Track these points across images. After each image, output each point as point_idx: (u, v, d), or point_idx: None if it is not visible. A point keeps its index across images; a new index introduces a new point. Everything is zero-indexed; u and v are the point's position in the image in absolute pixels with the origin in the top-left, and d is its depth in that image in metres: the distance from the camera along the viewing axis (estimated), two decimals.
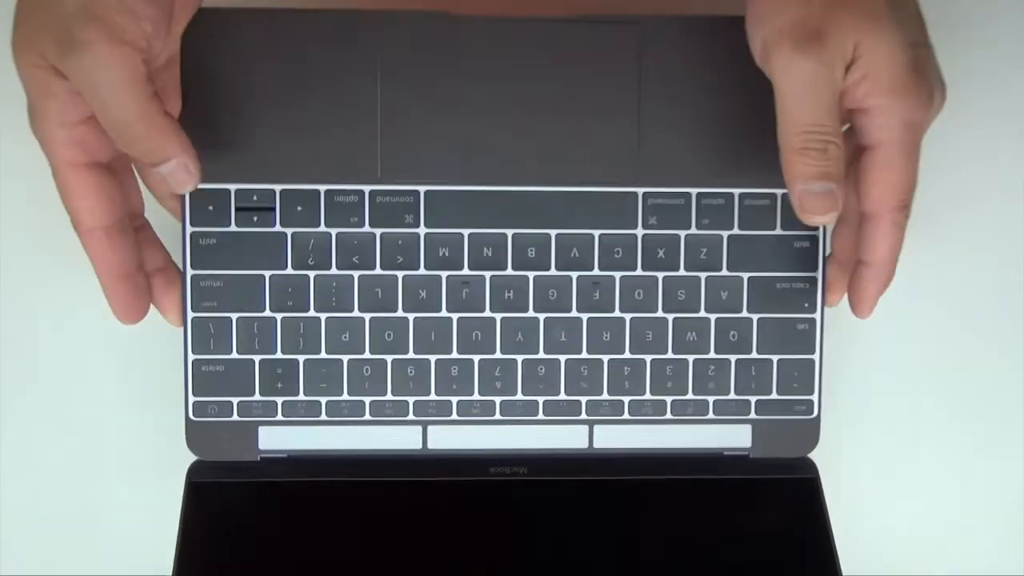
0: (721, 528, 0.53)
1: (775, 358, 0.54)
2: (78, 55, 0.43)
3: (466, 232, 0.52)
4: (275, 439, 0.53)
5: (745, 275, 0.53)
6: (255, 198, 0.51)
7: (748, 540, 0.52)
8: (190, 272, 0.51)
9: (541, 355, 0.53)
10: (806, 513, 0.53)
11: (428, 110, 0.51)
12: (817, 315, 0.53)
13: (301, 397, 0.52)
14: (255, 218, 0.51)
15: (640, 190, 0.52)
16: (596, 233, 0.52)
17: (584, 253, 0.52)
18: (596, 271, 0.52)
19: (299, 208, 0.51)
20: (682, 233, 0.53)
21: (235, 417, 0.52)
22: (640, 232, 0.52)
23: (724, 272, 0.53)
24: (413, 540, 0.51)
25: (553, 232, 0.52)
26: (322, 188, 0.51)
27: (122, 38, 0.43)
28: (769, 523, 0.53)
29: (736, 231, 0.53)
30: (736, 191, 0.52)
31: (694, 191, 0.52)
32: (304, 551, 0.51)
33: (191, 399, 0.52)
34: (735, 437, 0.54)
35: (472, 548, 0.51)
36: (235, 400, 0.52)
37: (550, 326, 0.53)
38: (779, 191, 0.52)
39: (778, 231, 0.53)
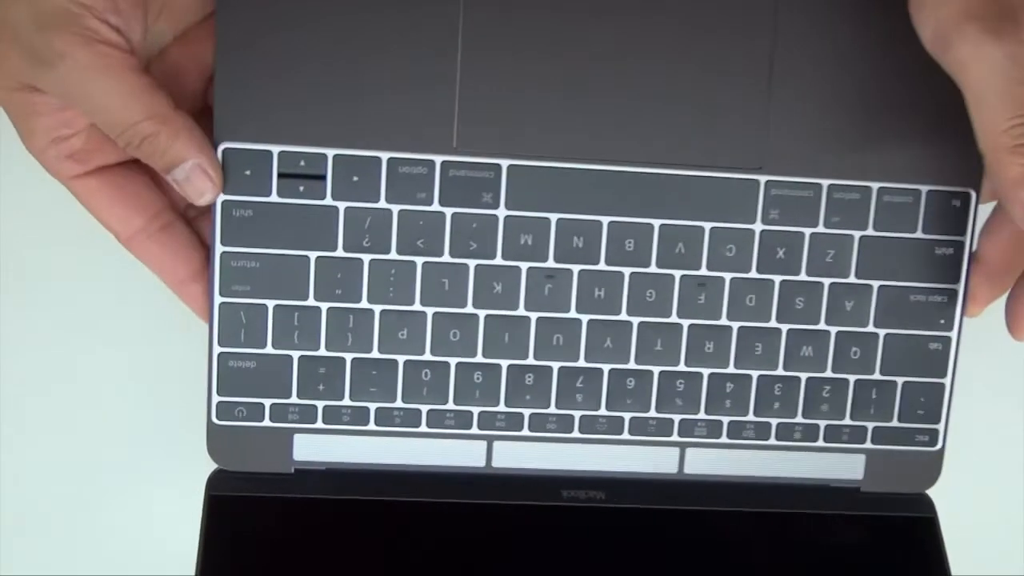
0: (825, 570, 0.46)
1: (900, 380, 0.46)
2: (55, 69, 0.39)
3: (554, 217, 0.44)
4: (313, 449, 0.45)
5: (876, 283, 0.45)
6: (302, 163, 0.42)
7: None
8: (219, 249, 0.43)
9: (632, 365, 0.45)
10: (923, 557, 0.46)
11: (518, 68, 0.42)
12: (954, 334, 0.46)
13: (346, 402, 0.44)
14: (301, 187, 0.42)
15: (763, 178, 0.44)
16: (707, 226, 0.44)
17: (691, 249, 0.44)
18: (703, 270, 0.44)
19: (355, 178, 0.43)
20: (807, 231, 0.44)
21: (267, 422, 0.44)
22: (758, 227, 0.44)
23: (851, 279, 0.45)
24: (470, 573, 0.44)
25: (656, 222, 0.44)
26: (384, 156, 0.42)
27: (93, 37, 0.39)
28: (880, 567, 0.46)
29: (870, 232, 0.45)
30: (874, 184, 0.44)
31: (825, 182, 0.44)
32: None
33: (215, 399, 0.44)
34: (846, 467, 0.47)
35: None
36: (268, 402, 0.44)
37: (644, 332, 0.45)
38: (924, 187, 0.44)
39: (919, 234, 0.45)
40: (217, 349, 0.43)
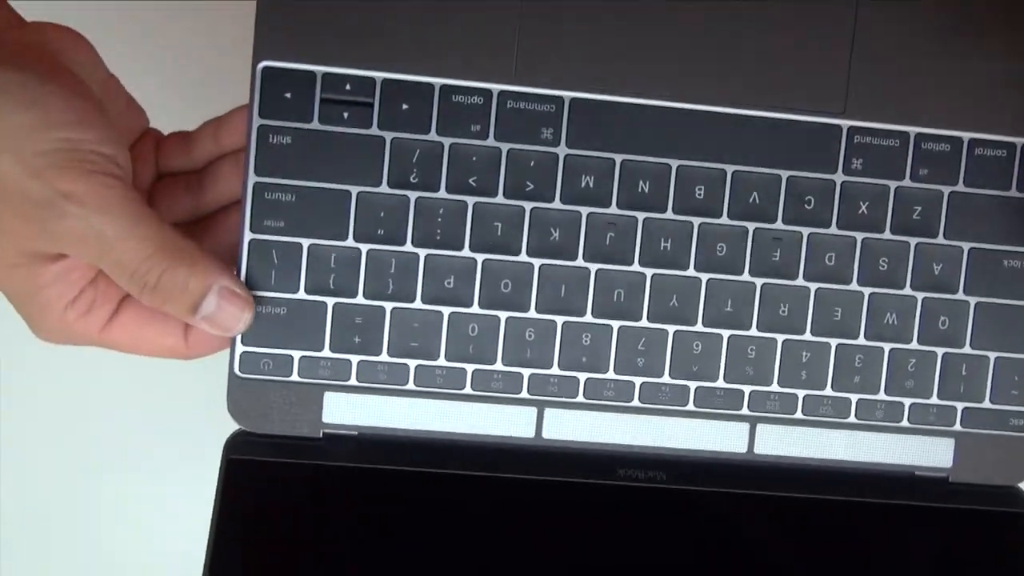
0: (907, 566, 0.42)
1: (992, 356, 0.42)
2: (63, 213, 0.35)
3: (619, 158, 0.40)
4: (345, 410, 0.41)
5: (966, 245, 0.42)
6: (348, 87, 0.39)
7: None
8: (253, 179, 0.39)
9: (699, 327, 0.41)
10: (1015, 556, 0.42)
11: None
12: None
13: (384, 358, 0.40)
14: (346, 114, 0.39)
15: (846, 123, 0.41)
16: (784, 174, 0.41)
17: (766, 199, 0.41)
18: (779, 224, 0.41)
19: (404, 106, 0.39)
20: (892, 184, 0.41)
21: (295, 377, 0.40)
22: (840, 178, 0.41)
23: (940, 240, 0.42)
24: (515, 554, 0.40)
25: (730, 168, 0.41)
26: (437, 82, 0.39)
27: (94, 170, 0.36)
28: (967, 565, 0.42)
29: (960, 187, 0.41)
30: (966, 135, 0.41)
31: (913, 131, 0.41)
32: (372, 558, 0.39)
33: (239, 348, 0.40)
34: (933, 453, 0.43)
35: (590, 569, 0.40)
36: (297, 355, 0.40)
37: (714, 291, 0.41)
38: (1020, 140, 0.41)
39: (1013, 192, 0.42)
40: None
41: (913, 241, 0.42)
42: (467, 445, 0.41)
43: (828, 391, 0.42)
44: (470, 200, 0.40)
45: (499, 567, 0.39)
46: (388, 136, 0.39)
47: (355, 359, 0.40)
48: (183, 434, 0.49)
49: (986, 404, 0.43)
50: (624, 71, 0.40)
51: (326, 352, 0.40)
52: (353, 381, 0.40)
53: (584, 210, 0.40)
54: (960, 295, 0.42)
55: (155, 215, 0.37)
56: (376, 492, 0.40)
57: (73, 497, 0.51)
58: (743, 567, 0.41)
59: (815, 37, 0.41)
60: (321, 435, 0.41)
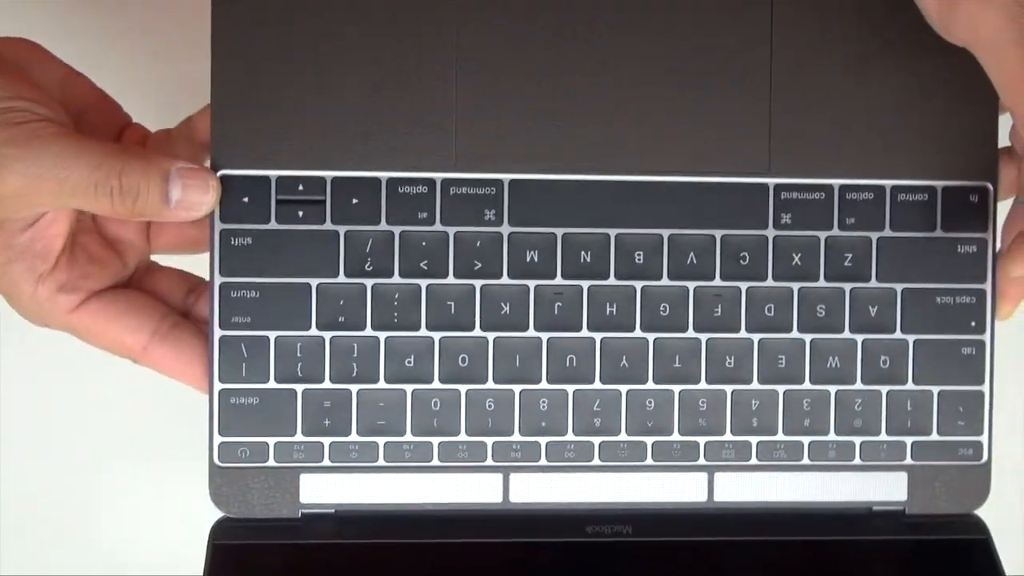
0: None
1: (935, 390, 0.45)
2: (7, 163, 0.39)
3: (559, 232, 0.44)
4: (321, 490, 0.44)
5: (899, 287, 0.45)
6: (301, 188, 0.43)
7: None
8: (219, 280, 0.43)
9: (650, 385, 0.45)
10: None
11: (516, 81, 0.44)
12: (987, 337, 0.45)
13: (354, 437, 0.44)
14: (300, 212, 0.43)
15: (771, 181, 0.44)
16: (718, 234, 0.44)
17: (703, 259, 0.44)
18: (718, 280, 0.45)
19: (355, 201, 0.43)
20: (822, 235, 0.45)
21: (271, 463, 0.44)
22: (771, 233, 0.45)
23: (873, 283, 0.45)
24: None
25: (666, 232, 0.44)
26: (384, 176, 0.43)
27: (22, 121, 0.39)
28: None
29: (888, 232, 0.45)
30: (888, 183, 0.45)
31: (836, 183, 0.45)
32: None
33: (216, 440, 0.44)
34: (888, 488, 0.46)
35: None
36: (272, 441, 0.44)
37: (661, 349, 0.45)
38: (940, 183, 0.45)
39: (938, 232, 0.45)
40: (218, 386, 0.43)
41: (848, 287, 0.45)
42: (439, 514, 0.44)
43: (780, 436, 0.45)
44: (423, 283, 0.44)
45: None
46: (341, 230, 0.43)
47: (327, 441, 0.44)
48: (184, 431, 0.50)
49: (934, 436, 0.46)
50: (556, 151, 0.44)
51: (299, 436, 0.44)
52: (326, 462, 0.44)
53: (531, 283, 0.44)
54: (898, 334, 0.45)
55: (96, 139, 0.40)
56: (354, 566, 0.43)
57: (73, 496, 0.54)
58: None
59: (736, 103, 0.44)
60: (300, 515, 0.44)
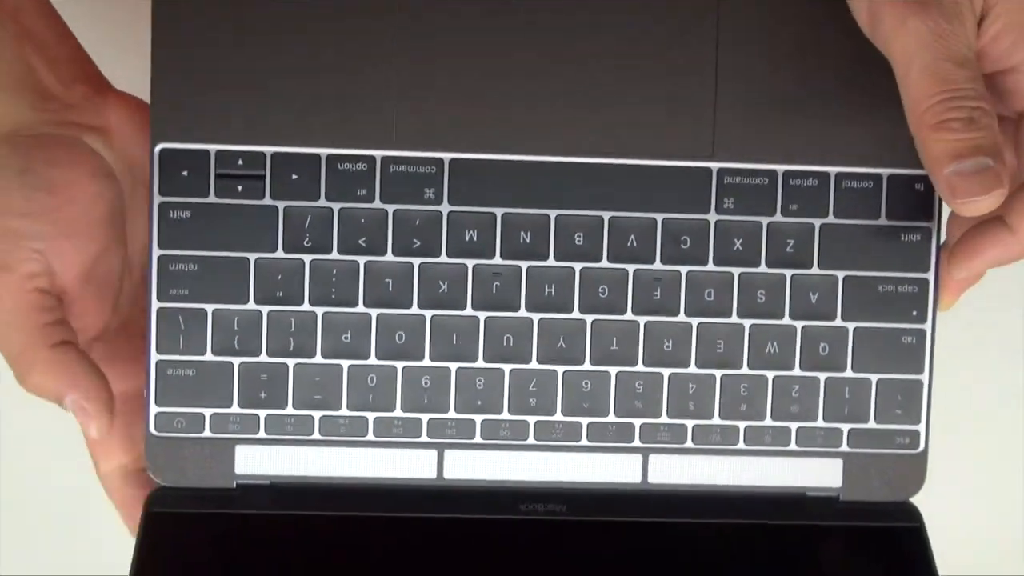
0: None
1: (874, 378, 0.46)
2: None
3: (499, 212, 0.45)
4: (256, 462, 0.45)
5: (840, 274, 0.45)
6: (240, 162, 0.44)
7: None
8: (157, 252, 0.44)
9: (587, 367, 0.45)
10: (910, 570, 0.45)
11: (457, 59, 0.44)
12: (927, 326, 0.46)
13: (289, 411, 0.45)
14: (239, 187, 0.44)
15: (715, 165, 0.45)
16: (660, 217, 0.45)
17: (644, 242, 0.45)
18: (658, 264, 0.45)
19: (294, 176, 0.44)
20: (764, 220, 0.45)
21: (207, 433, 0.45)
22: (713, 218, 0.45)
23: (814, 270, 0.45)
24: None
25: (607, 215, 0.45)
26: (323, 152, 0.44)
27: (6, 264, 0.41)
28: None
29: (831, 219, 0.45)
30: (832, 170, 0.45)
31: (780, 168, 0.45)
32: None
33: (153, 410, 0.45)
34: (822, 474, 0.46)
35: None
36: (208, 412, 0.45)
37: (599, 331, 0.45)
38: (885, 171, 0.45)
39: (882, 220, 0.45)
40: (155, 357, 0.44)
41: (788, 272, 0.45)
42: (372, 489, 0.46)
43: (716, 420, 0.46)
44: (361, 260, 0.44)
45: None
46: (280, 205, 0.44)
47: (262, 413, 0.45)
48: None
49: (871, 424, 0.46)
50: (498, 131, 0.44)
51: (235, 408, 0.45)
52: (262, 434, 0.45)
53: (470, 262, 0.45)
54: (838, 322, 0.46)
55: (38, 323, 0.42)
56: (288, 537, 0.44)
57: (73, 496, 0.54)
58: None
59: (680, 86, 0.45)
60: (235, 486, 0.45)
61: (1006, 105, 0.42)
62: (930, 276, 0.46)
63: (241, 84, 0.44)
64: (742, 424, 0.46)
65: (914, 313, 0.46)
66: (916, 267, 0.46)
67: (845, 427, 0.46)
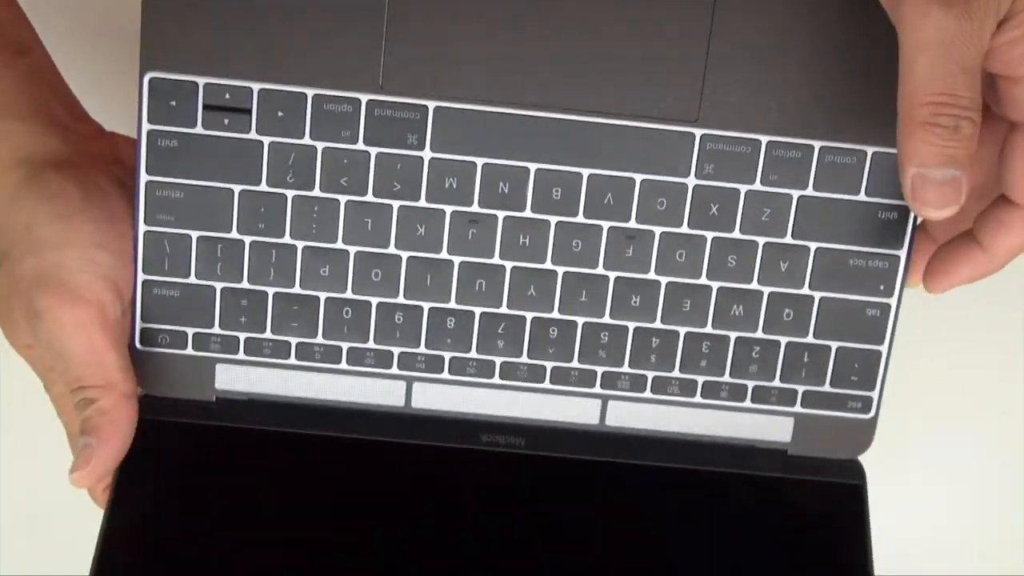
0: (742, 530, 0.48)
1: (834, 345, 0.48)
2: (38, 324, 0.44)
3: (480, 161, 0.45)
4: (234, 379, 0.48)
5: (813, 245, 0.46)
6: (227, 96, 0.45)
7: (771, 547, 0.48)
8: (144, 178, 0.45)
9: (555, 315, 0.47)
10: (845, 525, 0.48)
11: (448, 6, 0.44)
12: (893, 300, 0.47)
13: (268, 335, 0.47)
14: (226, 120, 0.45)
15: (698, 131, 0.45)
16: (638, 177, 0.45)
17: (620, 200, 0.46)
18: (632, 223, 0.46)
19: (280, 113, 0.45)
20: (743, 188, 0.46)
21: (189, 350, 0.47)
22: (692, 181, 0.45)
23: (788, 239, 0.46)
24: (382, 508, 0.47)
25: (585, 171, 0.45)
26: (310, 92, 0.44)
27: (68, 298, 0.44)
28: (799, 531, 0.48)
29: (810, 191, 0.46)
30: (816, 143, 0.45)
31: (764, 139, 0.45)
32: (258, 509, 0.47)
33: (139, 325, 0.47)
34: (773, 429, 0.49)
35: (451, 525, 0.47)
36: (190, 331, 0.47)
37: (569, 282, 0.47)
38: (870, 148, 0.45)
39: (862, 196, 0.46)
40: (141, 277, 0.46)
41: (761, 240, 0.46)
42: (342, 410, 0.48)
43: (676, 373, 0.48)
44: (342, 198, 0.45)
45: (366, 518, 0.47)
46: (266, 140, 0.45)
47: (242, 336, 0.47)
48: None
49: (826, 388, 0.48)
50: (486, 81, 0.44)
51: (216, 329, 0.47)
52: (241, 355, 0.47)
53: (448, 208, 0.46)
54: (805, 290, 0.47)
55: (110, 346, 0.45)
56: (263, 450, 0.47)
57: (73, 496, 0.53)
58: (591, 529, 0.48)
59: (670, 51, 0.44)
60: (214, 399, 0.48)
61: (1000, 108, 0.42)
62: (902, 254, 0.46)
63: (231, 18, 0.44)
64: (701, 378, 0.48)
65: (881, 287, 0.47)
66: (889, 244, 0.46)
67: (800, 388, 0.48)
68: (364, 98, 0.45)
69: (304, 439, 0.48)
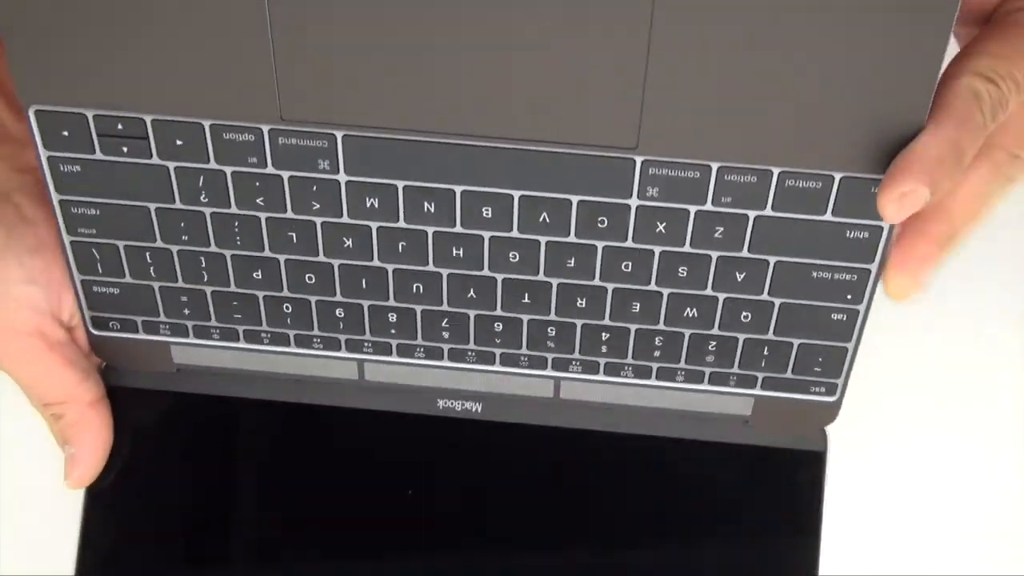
0: (696, 495, 0.49)
1: (796, 342, 0.45)
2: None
3: (401, 184, 0.41)
4: (191, 356, 0.49)
5: (772, 259, 0.42)
6: (120, 127, 0.41)
7: (726, 513, 0.49)
8: (56, 196, 0.43)
9: (498, 312, 0.45)
10: (809, 492, 0.48)
11: (348, 27, 0.38)
12: (862, 306, 0.43)
13: (214, 323, 0.47)
14: (125, 148, 0.42)
15: (639, 157, 0.40)
16: (575, 199, 0.41)
17: (557, 218, 0.42)
18: (572, 238, 0.42)
19: (179, 142, 0.41)
20: (692, 208, 0.41)
21: (141, 335, 0.48)
22: (635, 203, 0.41)
23: (744, 253, 0.42)
24: (340, 473, 0.49)
25: (516, 192, 0.41)
26: (206, 123, 0.40)
27: (18, 331, 0.46)
28: (761, 498, 0.49)
29: (768, 212, 0.41)
30: (776, 169, 0.39)
31: (715, 164, 0.40)
32: (219, 474, 0.50)
33: (87, 313, 0.47)
34: (734, 405, 0.47)
35: (408, 490, 0.49)
36: (139, 319, 0.47)
37: (510, 286, 0.44)
38: (838, 173, 0.39)
39: (828, 216, 0.41)
40: (78, 276, 0.46)
41: (715, 254, 0.42)
42: (301, 380, 0.49)
43: (629, 360, 0.46)
44: (262, 215, 0.43)
45: (325, 483, 0.49)
46: (170, 165, 0.42)
47: (189, 323, 0.47)
48: None
49: (788, 375, 0.46)
50: (397, 106, 0.39)
51: (163, 318, 0.47)
52: (192, 339, 0.48)
53: (373, 224, 0.43)
54: (764, 296, 0.43)
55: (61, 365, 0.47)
56: (225, 418, 0.49)
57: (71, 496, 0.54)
58: (548, 493, 0.49)
59: (605, 69, 0.38)
60: (175, 369, 0.49)
61: None
62: (872, 267, 0.42)
63: (107, 48, 0.39)
64: (655, 364, 0.46)
65: (849, 297, 0.43)
66: (859, 259, 0.42)
67: (760, 375, 0.46)
68: (265, 127, 0.40)
69: (263, 405, 0.49)
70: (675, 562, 0.49)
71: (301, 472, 0.49)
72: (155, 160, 0.42)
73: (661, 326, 0.45)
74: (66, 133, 0.41)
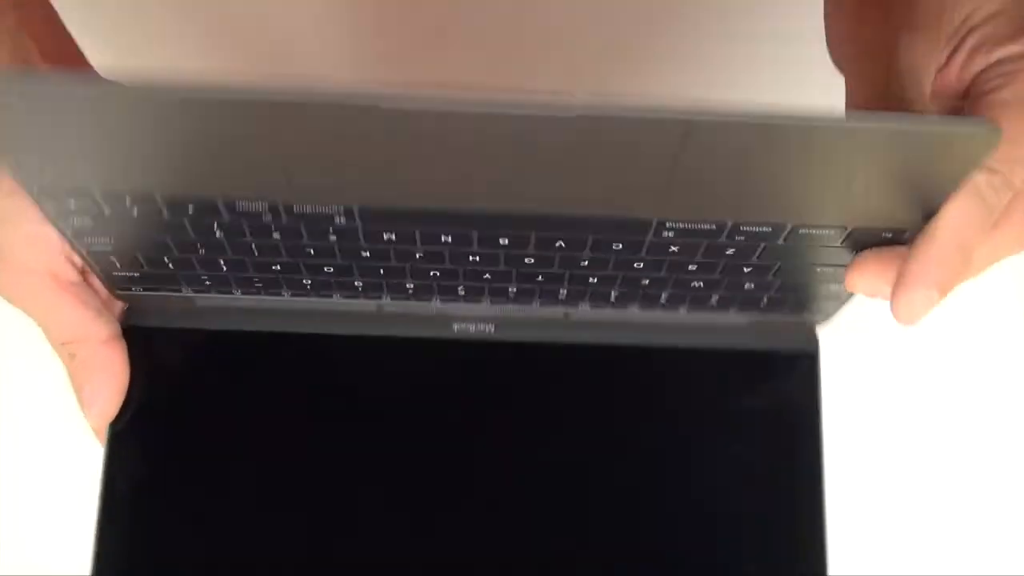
0: (704, 402, 0.52)
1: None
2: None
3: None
4: (208, 300, 0.50)
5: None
6: None
7: (730, 418, 0.52)
8: None
9: (501, 267, 0.46)
10: (795, 392, 0.51)
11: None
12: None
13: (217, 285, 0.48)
14: None
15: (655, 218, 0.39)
16: (589, 238, 0.41)
17: (572, 244, 0.43)
18: (587, 251, 0.44)
19: None
20: (705, 241, 0.42)
21: (164, 292, 0.49)
22: (649, 238, 0.41)
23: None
24: (360, 400, 0.52)
25: (532, 234, 0.42)
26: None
27: (30, 270, 0.46)
28: (761, 399, 0.52)
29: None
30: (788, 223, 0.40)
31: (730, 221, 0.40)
32: (245, 405, 0.52)
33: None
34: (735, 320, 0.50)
35: (426, 414, 0.52)
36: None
37: (511, 258, 0.45)
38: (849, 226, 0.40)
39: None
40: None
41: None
42: (319, 312, 0.50)
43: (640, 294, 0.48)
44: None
45: (347, 413, 0.52)
46: None
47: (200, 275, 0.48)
48: None
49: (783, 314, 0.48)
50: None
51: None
52: (204, 292, 0.49)
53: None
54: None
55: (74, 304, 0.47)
56: (249, 350, 0.51)
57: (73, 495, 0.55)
58: (564, 411, 0.52)
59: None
60: (198, 307, 0.50)
61: None
62: None
63: None
64: (664, 293, 0.48)
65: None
66: None
67: (766, 295, 0.48)
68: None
69: (282, 337, 0.51)
70: (685, 457, 0.52)
71: (321, 402, 0.52)
72: None
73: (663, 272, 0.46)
74: None
